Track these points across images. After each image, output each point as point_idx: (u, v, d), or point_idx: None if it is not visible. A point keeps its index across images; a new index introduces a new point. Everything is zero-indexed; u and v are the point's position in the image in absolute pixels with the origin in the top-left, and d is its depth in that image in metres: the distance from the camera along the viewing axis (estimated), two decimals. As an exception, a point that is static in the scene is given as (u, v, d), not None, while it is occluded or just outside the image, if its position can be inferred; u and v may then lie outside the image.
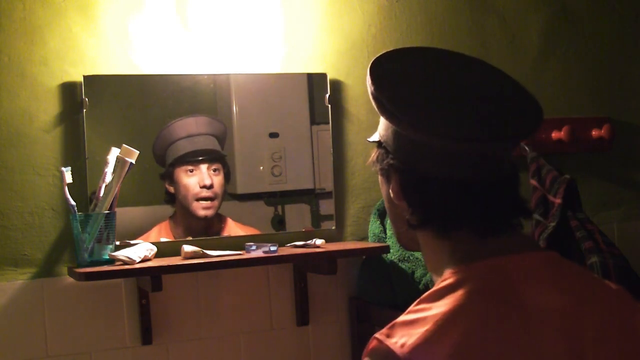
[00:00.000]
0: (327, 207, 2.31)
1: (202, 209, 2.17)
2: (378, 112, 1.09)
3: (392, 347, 0.98)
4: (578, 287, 1.08)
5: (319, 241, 2.14)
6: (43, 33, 2.05)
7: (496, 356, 0.98)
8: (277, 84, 2.29)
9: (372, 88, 1.08)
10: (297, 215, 2.31)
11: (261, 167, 2.28)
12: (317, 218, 2.32)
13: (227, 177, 2.22)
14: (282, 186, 2.30)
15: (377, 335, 1.01)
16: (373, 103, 1.08)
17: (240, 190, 2.26)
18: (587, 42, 2.66)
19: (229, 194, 2.24)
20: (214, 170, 2.19)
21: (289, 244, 2.19)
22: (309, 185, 2.32)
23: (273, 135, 2.29)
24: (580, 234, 2.22)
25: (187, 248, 2.02)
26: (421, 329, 0.98)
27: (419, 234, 1.12)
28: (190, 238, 2.17)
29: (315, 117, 2.32)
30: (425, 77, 1.11)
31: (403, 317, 1.02)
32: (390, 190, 1.12)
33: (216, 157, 2.21)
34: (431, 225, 1.09)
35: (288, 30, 2.28)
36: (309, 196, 2.32)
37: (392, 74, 1.10)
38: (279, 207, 2.30)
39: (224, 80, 2.23)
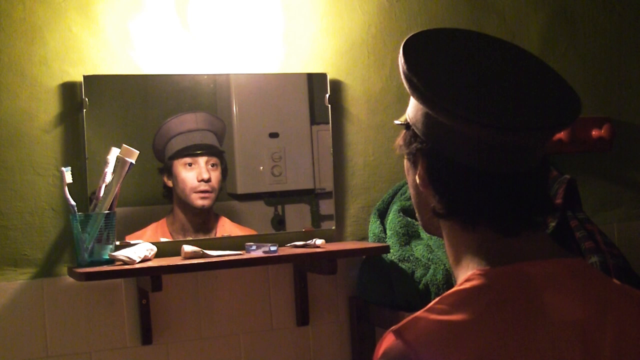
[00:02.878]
0: (327, 207, 2.31)
1: (199, 199, 2.18)
2: (409, 92, 1.04)
3: (408, 348, 0.95)
4: (602, 299, 1.04)
5: (319, 241, 2.14)
6: (43, 33, 2.05)
7: None
8: (277, 84, 2.29)
9: (405, 67, 1.03)
10: (297, 215, 2.31)
11: (261, 167, 2.28)
12: (317, 218, 2.32)
13: (225, 174, 2.22)
14: (282, 186, 2.30)
15: (394, 330, 0.98)
16: (404, 82, 1.04)
17: (240, 190, 2.26)
18: (587, 42, 2.66)
19: (228, 194, 2.24)
20: (212, 165, 2.20)
21: (289, 244, 2.19)
22: (309, 185, 2.32)
23: (273, 135, 2.29)
24: (581, 234, 2.22)
25: (187, 248, 2.02)
26: (440, 335, 0.96)
27: (443, 224, 1.09)
28: (191, 238, 2.17)
29: (315, 117, 2.32)
30: (461, 59, 1.06)
31: (423, 314, 0.99)
32: (417, 176, 1.08)
33: (214, 152, 2.21)
34: (457, 216, 1.05)
35: (288, 30, 2.28)
36: (309, 196, 2.32)
37: (426, 52, 1.05)
38: (279, 207, 2.30)
39: (224, 80, 2.23)
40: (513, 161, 1.02)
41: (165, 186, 2.18)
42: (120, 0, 2.12)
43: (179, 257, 2.05)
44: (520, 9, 2.57)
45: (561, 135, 2.51)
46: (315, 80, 2.31)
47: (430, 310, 0.99)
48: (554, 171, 2.36)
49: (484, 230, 1.04)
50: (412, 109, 1.08)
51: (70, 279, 2.03)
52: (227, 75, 2.22)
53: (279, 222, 2.28)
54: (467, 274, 1.03)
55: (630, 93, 2.72)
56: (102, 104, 2.10)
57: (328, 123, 2.31)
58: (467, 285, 1.01)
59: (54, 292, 2.05)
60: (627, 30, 2.72)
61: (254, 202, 2.29)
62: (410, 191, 1.14)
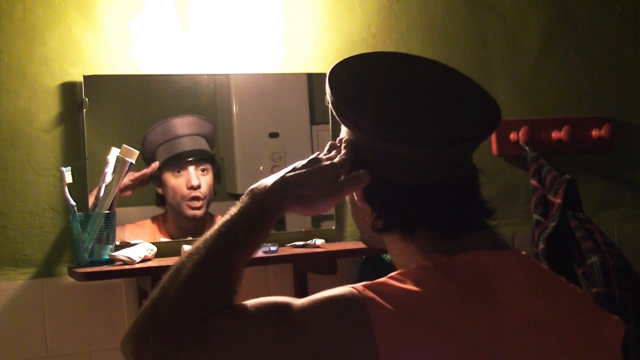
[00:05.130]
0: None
1: (191, 210, 2.17)
2: (337, 119, 1.11)
3: (368, 304, 0.98)
4: (549, 292, 1.08)
5: (319, 241, 2.14)
6: (43, 33, 2.05)
7: (465, 348, 0.98)
8: (277, 84, 2.29)
9: (332, 97, 1.10)
10: (297, 215, 2.30)
11: (261, 167, 2.28)
12: (317, 218, 2.32)
13: (218, 177, 2.21)
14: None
15: (355, 286, 1.02)
16: (332, 111, 1.11)
17: (241, 190, 2.26)
18: (587, 42, 2.66)
19: (229, 194, 2.24)
20: (202, 170, 2.19)
21: (289, 244, 2.19)
22: (309, 185, 2.32)
23: (273, 135, 2.29)
24: (581, 234, 2.22)
25: (187, 248, 2.02)
26: (398, 297, 0.99)
27: (384, 237, 1.13)
28: (191, 238, 2.17)
29: (315, 117, 2.32)
30: (382, 82, 1.13)
31: (385, 279, 1.03)
32: (354, 195, 1.14)
33: (205, 158, 2.20)
34: (395, 229, 1.10)
35: (288, 30, 2.28)
36: (309, 196, 2.32)
37: (350, 81, 1.13)
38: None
39: (224, 80, 2.23)
40: (440, 174, 1.07)
41: (157, 194, 2.17)
42: (120, 0, 2.12)
43: (179, 257, 2.04)
44: (520, 9, 2.57)
45: (561, 135, 2.51)
46: (315, 80, 2.31)
47: (387, 278, 1.03)
48: (554, 171, 2.36)
49: (423, 237, 1.08)
50: (344, 133, 1.16)
51: (70, 279, 2.03)
52: (227, 75, 2.22)
53: (279, 222, 2.28)
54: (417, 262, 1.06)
55: (630, 93, 2.72)
56: (102, 104, 2.10)
57: (328, 123, 2.31)
58: (422, 264, 1.04)
59: (54, 292, 2.05)
60: (627, 30, 2.72)
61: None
62: (350, 208, 1.20)
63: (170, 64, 2.17)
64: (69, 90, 2.07)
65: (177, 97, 2.17)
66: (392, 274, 1.04)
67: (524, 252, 1.11)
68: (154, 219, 2.18)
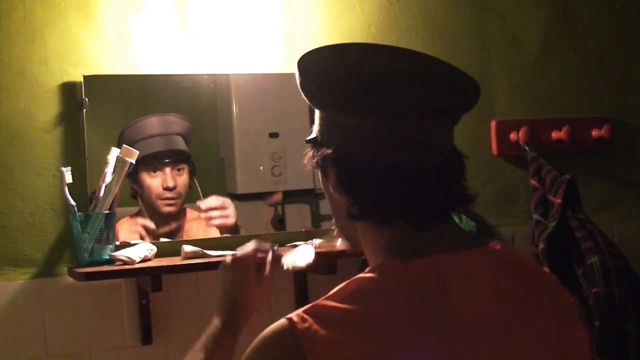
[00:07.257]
0: (327, 207, 2.28)
1: (166, 206, 2.18)
2: (307, 101, 1.09)
3: (293, 326, 0.96)
4: (519, 292, 1.04)
5: (318, 241, 2.13)
6: (43, 33, 2.05)
7: None
8: (277, 84, 2.29)
9: (300, 79, 1.08)
10: (297, 215, 2.31)
11: (261, 167, 2.28)
12: (317, 218, 2.32)
13: (193, 174, 2.21)
14: (282, 186, 2.30)
15: (291, 315, 0.99)
16: (302, 94, 1.09)
17: (240, 190, 2.26)
18: (587, 42, 2.66)
19: (229, 194, 2.24)
20: (178, 170, 2.19)
21: (289, 244, 2.19)
22: (309, 186, 2.32)
23: (273, 135, 2.29)
24: (581, 234, 2.22)
25: (187, 248, 2.02)
26: (330, 319, 0.96)
27: (359, 226, 1.10)
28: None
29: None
30: (352, 64, 1.09)
31: (321, 301, 1.00)
32: (329, 184, 1.11)
33: (180, 159, 2.20)
34: (370, 215, 1.06)
35: (288, 30, 2.28)
36: (309, 196, 2.32)
37: (319, 64, 1.11)
38: (279, 207, 2.30)
39: (224, 80, 2.23)
40: (417, 155, 1.02)
41: (132, 189, 2.18)
42: (120, 0, 2.12)
43: (179, 257, 2.05)
44: (520, 9, 2.57)
45: (561, 135, 2.51)
46: (315, 80, 2.30)
47: (328, 297, 1.00)
48: (554, 171, 2.36)
49: (397, 227, 1.05)
50: (317, 120, 1.14)
51: (70, 279, 2.03)
52: (227, 75, 2.22)
53: (279, 222, 2.28)
54: (372, 266, 1.03)
55: (630, 93, 2.72)
56: (102, 104, 2.10)
57: (328, 123, 2.31)
58: (369, 275, 1.01)
59: (54, 292, 2.05)
60: (627, 30, 2.72)
61: (254, 202, 2.29)
62: (327, 199, 1.17)
63: (170, 64, 2.17)
64: (69, 90, 2.07)
65: (177, 97, 2.17)
66: (334, 291, 1.01)
67: (498, 247, 1.07)
68: (131, 218, 2.18)
